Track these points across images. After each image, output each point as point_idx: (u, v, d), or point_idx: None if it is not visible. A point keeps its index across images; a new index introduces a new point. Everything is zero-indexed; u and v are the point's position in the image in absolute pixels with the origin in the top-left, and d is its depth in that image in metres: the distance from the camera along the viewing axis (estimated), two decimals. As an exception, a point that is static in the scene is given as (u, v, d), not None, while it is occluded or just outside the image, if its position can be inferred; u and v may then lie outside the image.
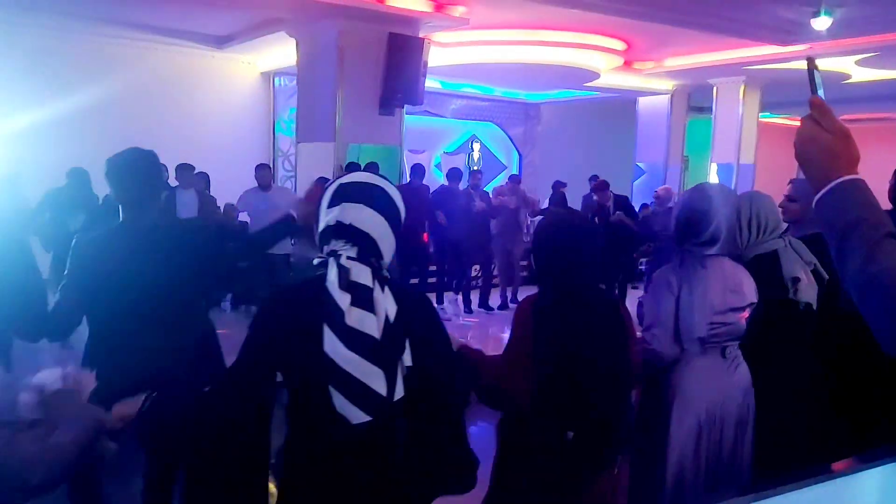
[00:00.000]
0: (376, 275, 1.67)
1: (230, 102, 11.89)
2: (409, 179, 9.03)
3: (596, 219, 8.66)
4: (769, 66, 10.93)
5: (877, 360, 1.52)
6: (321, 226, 1.75)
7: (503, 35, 9.90)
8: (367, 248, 1.69)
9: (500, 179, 13.41)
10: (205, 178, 8.68)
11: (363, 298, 1.63)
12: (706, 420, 2.62)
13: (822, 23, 8.68)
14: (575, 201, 10.54)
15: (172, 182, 7.90)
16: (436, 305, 2.80)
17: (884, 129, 16.29)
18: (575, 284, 2.28)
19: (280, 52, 10.36)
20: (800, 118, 1.35)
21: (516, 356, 2.22)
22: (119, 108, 9.83)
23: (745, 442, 2.69)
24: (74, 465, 1.55)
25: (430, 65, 8.93)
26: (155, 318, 2.60)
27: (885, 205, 3.36)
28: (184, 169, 7.90)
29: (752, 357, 2.74)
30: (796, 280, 2.80)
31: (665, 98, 13.88)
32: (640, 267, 10.48)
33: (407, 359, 1.67)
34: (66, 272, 2.66)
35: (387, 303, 1.66)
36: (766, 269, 2.80)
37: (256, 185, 8.16)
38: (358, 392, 1.60)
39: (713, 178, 12.61)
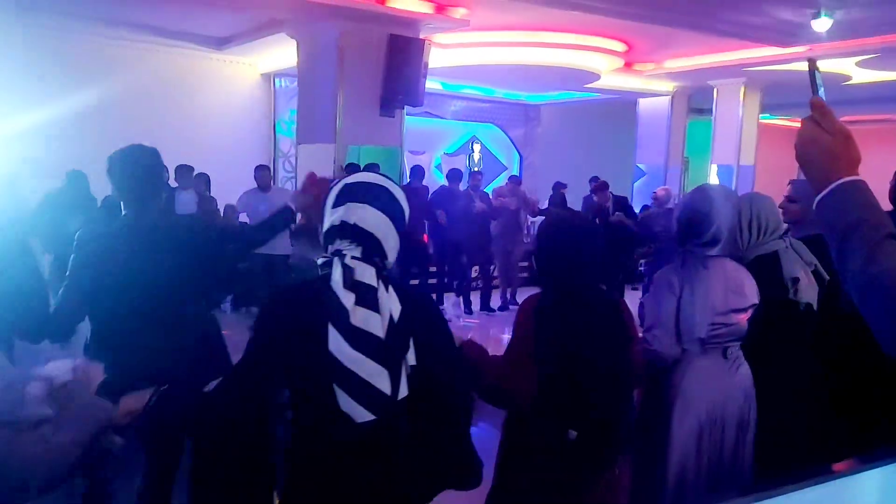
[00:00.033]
0: (380, 274, 1.68)
1: (231, 104, 11.90)
2: (408, 181, 9.04)
3: (597, 220, 8.67)
4: (769, 67, 10.93)
5: (877, 360, 1.52)
6: (325, 225, 1.75)
7: (504, 36, 9.91)
8: (371, 248, 1.70)
9: (501, 180, 13.40)
10: (205, 178, 8.69)
11: (368, 298, 1.64)
12: (707, 420, 2.62)
13: (822, 24, 8.68)
14: (575, 202, 10.54)
15: (172, 183, 7.91)
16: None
17: (884, 131, 16.29)
18: (577, 285, 2.29)
19: (280, 53, 10.36)
20: (800, 119, 1.35)
21: (518, 356, 2.22)
22: (119, 110, 9.83)
23: (747, 442, 2.69)
24: (79, 462, 1.55)
25: (430, 66, 8.94)
26: (158, 314, 2.60)
27: (886, 206, 3.36)
28: (183, 170, 7.91)
29: (752, 357, 2.74)
30: (796, 280, 2.80)
31: (665, 99, 13.89)
32: (639, 268, 10.49)
33: (411, 358, 1.68)
34: (68, 269, 2.67)
35: (391, 302, 1.67)
36: (766, 269, 2.80)
37: (256, 186, 8.17)
38: (362, 391, 1.61)
39: (713, 180, 12.61)
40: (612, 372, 2.26)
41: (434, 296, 8.82)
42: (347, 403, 1.61)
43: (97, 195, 7.06)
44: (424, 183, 9.31)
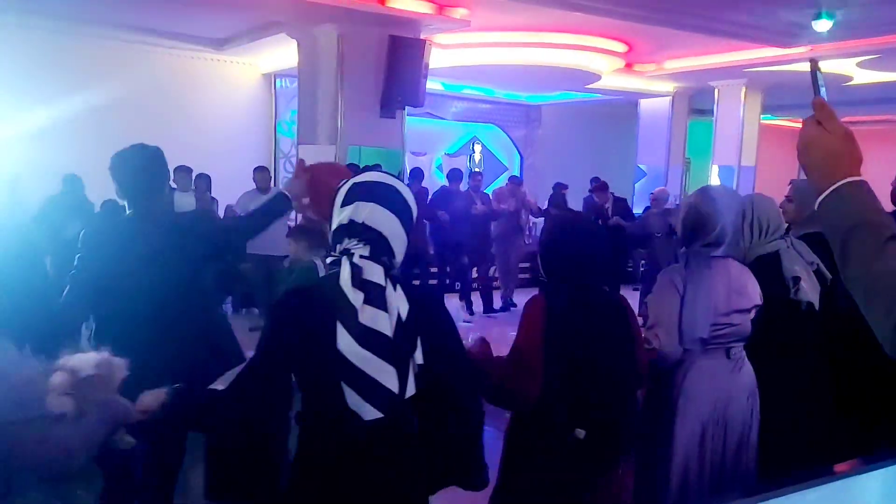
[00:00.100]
0: (388, 273, 1.70)
1: (231, 104, 11.90)
2: (407, 183, 9.02)
3: (599, 221, 8.69)
4: (770, 68, 10.92)
5: (879, 361, 1.51)
6: (334, 224, 1.77)
7: (504, 37, 9.90)
8: (379, 247, 1.71)
9: (502, 181, 13.40)
10: (206, 179, 8.70)
11: (376, 297, 1.66)
12: (710, 420, 2.62)
13: (823, 25, 8.67)
14: (576, 203, 10.55)
15: (171, 184, 7.90)
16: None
17: (886, 132, 16.28)
18: (583, 285, 2.30)
19: (281, 53, 10.36)
20: (801, 120, 1.35)
21: (524, 356, 2.22)
22: (121, 111, 9.83)
23: (750, 443, 2.69)
24: (93, 455, 1.56)
25: (431, 67, 8.93)
26: (166, 310, 2.62)
27: (888, 206, 3.36)
28: (181, 171, 7.91)
29: (753, 357, 2.75)
30: (797, 280, 2.80)
31: (666, 100, 13.87)
32: (641, 268, 10.51)
33: (418, 357, 1.70)
34: (73, 268, 2.68)
35: (399, 301, 1.68)
36: (767, 269, 2.81)
37: (255, 187, 8.17)
38: (371, 389, 1.63)
39: (714, 181, 12.61)
40: (619, 371, 2.27)
41: (434, 296, 8.81)
42: (355, 401, 1.63)
43: (97, 197, 7.06)
44: (424, 184, 9.30)
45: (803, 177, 1.34)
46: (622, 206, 9.64)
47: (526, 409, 2.24)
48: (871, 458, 1.51)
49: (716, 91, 12.91)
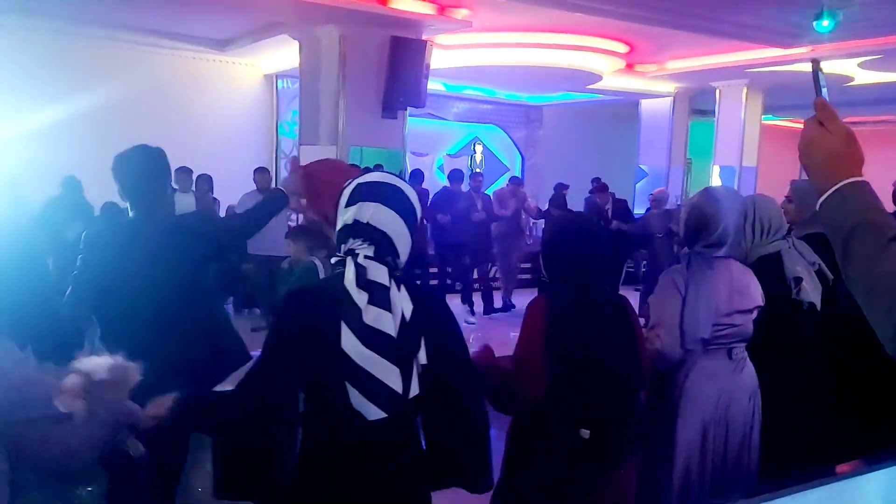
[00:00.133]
0: (392, 274, 1.71)
1: (233, 105, 11.91)
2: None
3: (601, 222, 8.71)
4: (771, 68, 10.91)
5: (881, 361, 1.51)
6: (339, 225, 1.78)
7: (506, 38, 9.90)
8: (383, 247, 1.72)
9: (503, 181, 13.40)
10: (208, 180, 8.70)
11: (380, 297, 1.67)
12: (712, 421, 2.63)
13: (824, 25, 8.67)
14: (578, 203, 10.55)
15: (173, 185, 7.90)
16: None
17: (887, 132, 16.25)
18: (585, 285, 2.30)
19: (283, 54, 10.36)
20: (803, 120, 1.34)
21: (528, 357, 2.23)
22: (122, 111, 9.84)
23: (752, 443, 2.69)
24: (100, 456, 1.57)
25: (432, 67, 8.93)
26: (171, 311, 2.62)
27: (889, 207, 3.36)
28: (182, 172, 7.91)
29: (755, 357, 2.75)
30: (799, 280, 2.80)
31: (667, 101, 13.87)
32: (642, 269, 10.51)
33: (422, 357, 1.70)
34: (76, 270, 2.69)
35: (403, 301, 1.69)
36: (769, 269, 2.81)
37: (256, 188, 8.17)
38: (374, 389, 1.63)
39: (716, 181, 12.60)
40: (622, 371, 2.27)
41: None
42: (359, 401, 1.63)
43: (99, 197, 7.06)
44: (425, 186, 9.30)
45: (804, 177, 1.34)
46: (622, 207, 9.66)
47: (529, 411, 2.24)
48: (872, 459, 1.51)
49: (717, 91, 12.90)
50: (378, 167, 7.68)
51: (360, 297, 1.65)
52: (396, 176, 1.87)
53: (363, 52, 8.51)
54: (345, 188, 1.80)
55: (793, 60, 10.17)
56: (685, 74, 12.21)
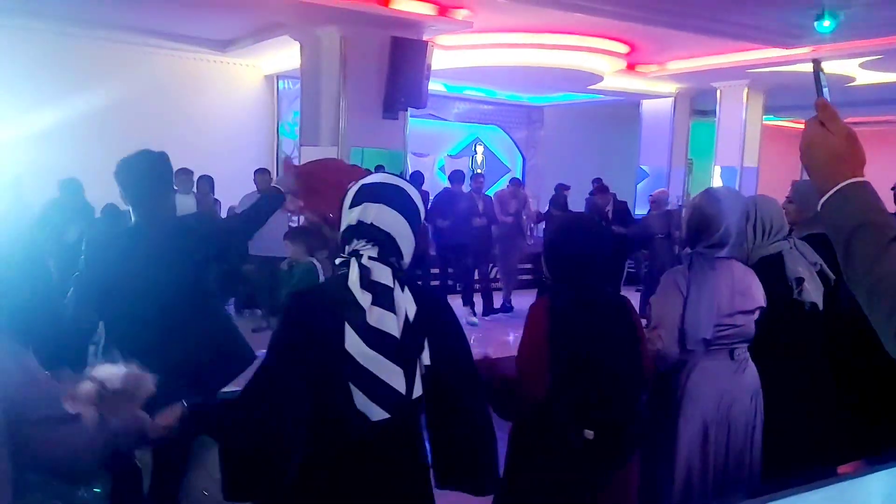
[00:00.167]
0: (396, 275, 1.72)
1: (234, 105, 11.91)
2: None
3: (603, 223, 8.72)
4: (773, 69, 10.90)
5: (883, 361, 1.51)
6: (343, 226, 1.79)
7: (507, 38, 9.90)
8: (387, 248, 1.74)
9: (504, 182, 13.41)
10: (209, 181, 8.70)
11: (384, 298, 1.68)
12: (713, 421, 2.62)
13: (825, 26, 8.66)
14: (579, 204, 10.55)
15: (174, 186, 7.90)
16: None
17: (888, 132, 16.25)
18: (588, 286, 2.30)
19: (284, 55, 10.37)
20: (804, 121, 1.34)
21: (531, 358, 2.23)
22: (123, 112, 9.85)
23: (754, 444, 2.69)
24: (97, 460, 1.57)
25: (433, 68, 8.93)
26: (176, 315, 2.62)
27: (891, 207, 3.35)
28: (182, 174, 7.91)
29: (757, 357, 2.74)
30: (800, 281, 2.80)
31: (668, 101, 13.87)
32: (643, 270, 10.52)
33: (425, 358, 1.71)
34: (78, 270, 2.69)
35: (406, 302, 1.70)
36: (771, 270, 2.81)
37: (256, 188, 8.17)
38: (378, 390, 1.64)
39: (717, 181, 12.60)
40: (624, 371, 2.27)
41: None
42: (363, 402, 1.64)
43: (100, 198, 7.06)
44: (425, 188, 9.30)
45: (805, 178, 1.34)
46: (622, 210, 9.67)
47: (531, 413, 2.23)
48: (874, 460, 1.51)
49: (718, 92, 12.90)
50: (379, 168, 7.68)
51: (364, 298, 1.66)
52: (400, 177, 1.88)
53: (364, 52, 8.51)
54: (349, 189, 1.81)
55: (794, 61, 10.17)
56: (686, 75, 12.21)
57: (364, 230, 1.73)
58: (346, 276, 1.69)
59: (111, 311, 2.70)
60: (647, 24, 8.96)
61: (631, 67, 11.80)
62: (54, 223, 6.35)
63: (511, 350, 2.32)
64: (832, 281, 2.88)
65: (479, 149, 15.95)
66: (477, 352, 2.31)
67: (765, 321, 2.72)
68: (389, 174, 1.89)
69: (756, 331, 2.71)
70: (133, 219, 2.76)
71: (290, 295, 1.83)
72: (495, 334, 8.33)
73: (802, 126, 1.33)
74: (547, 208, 9.90)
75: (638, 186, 14.24)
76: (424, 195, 8.95)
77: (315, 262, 5.40)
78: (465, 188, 9.42)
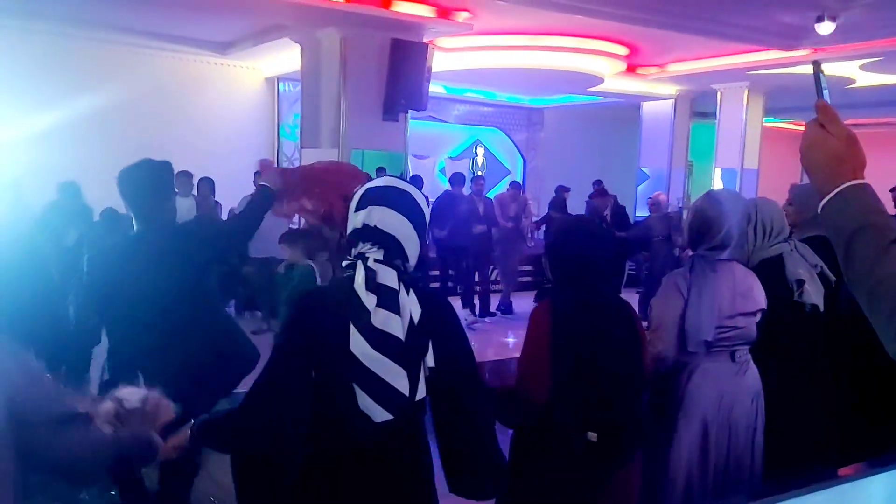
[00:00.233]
0: (401, 277, 1.73)
1: (235, 108, 11.92)
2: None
3: (603, 225, 8.73)
4: (773, 71, 10.92)
5: (883, 363, 1.51)
6: (349, 229, 1.81)
7: (507, 40, 9.91)
8: (392, 251, 1.75)
9: (504, 184, 13.43)
10: (210, 183, 8.70)
11: (389, 300, 1.69)
12: (714, 423, 2.62)
13: (825, 28, 8.66)
14: (579, 206, 10.56)
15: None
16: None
17: (888, 134, 16.25)
18: (591, 288, 2.30)
19: (284, 57, 10.38)
20: (804, 123, 1.34)
21: (534, 359, 2.23)
22: (124, 114, 9.86)
23: (755, 446, 2.69)
24: (98, 465, 1.58)
25: (433, 70, 8.94)
26: (175, 318, 2.62)
27: (891, 209, 3.35)
28: (182, 177, 7.91)
29: (758, 359, 2.74)
30: (801, 282, 2.80)
31: (669, 103, 13.88)
32: (643, 272, 10.53)
33: (429, 360, 1.72)
34: (80, 275, 2.70)
35: (411, 305, 1.71)
36: (771, 272, 2.81)
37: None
38: (382, 391, 1.65)
39: (717, 184, 12.60)
40: (626, 373, 2.28)
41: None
42: (367, 403, 1.65)
43: (100, 200, 7.05)
44: (424, 192, 9.27)
45: (805, 180, 1.34)
46: (621, 214, 9.68)
47: (534, 417, 2.23)
48: (875, 462, 1.51)
49: (718, 94, 12.91)
50: (380, 170, 7.68)
51: (369, 300, 1.67)
52: (405, 180, 1.90)
53: (364, 54, 8.51)
54: (355, 193, 1.83)
55: (794, 63, 10.17)
56: (686, 77, 12.22)
57: (369, 233, 1.75)
58: (351, 278, 1.71)
59: (114, 318, 2.71)
60: (648, 26, 8.97)
61: (631, 69, 11.81)
62: (53, 226, 6.34)
63: (511, 352, 2.32)
64: (833, 283, 2.87)
65: (480, 151, 15.96)
66: (479, 345, 2.32)
67: (766, 323, 2.72)
68: (394, 178, 1.91)
69: (757, 333, 2.71)
70: (135, 226, 2.77)
71: (295, 295, 1.84)
72: (494, 336, 8.34)
73: (803, 128, 1.33)
74: (546, 212, 9.92)
75: (638, 188, 14.26)
76: (424, 198, 8.96)
77: (312, 265, 5.37)
78: (466, 191, 9.43)
